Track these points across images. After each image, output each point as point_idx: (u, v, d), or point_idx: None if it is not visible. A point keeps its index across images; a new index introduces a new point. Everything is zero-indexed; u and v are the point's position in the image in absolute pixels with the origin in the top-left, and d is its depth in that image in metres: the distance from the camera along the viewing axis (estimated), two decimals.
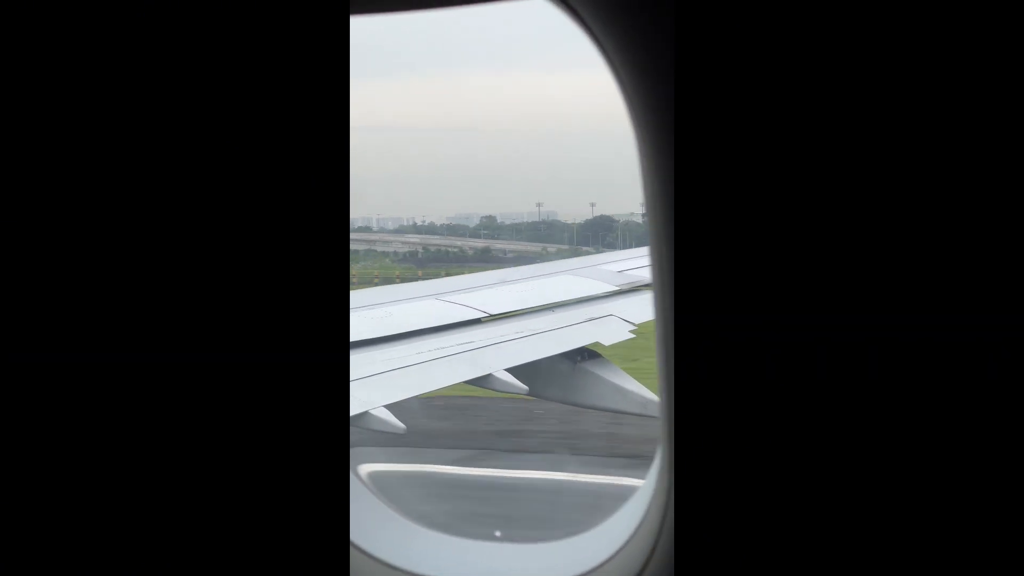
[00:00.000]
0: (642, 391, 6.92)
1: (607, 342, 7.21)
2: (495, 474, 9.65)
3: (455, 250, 23.04)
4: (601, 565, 1.78)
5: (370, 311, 7.33)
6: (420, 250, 22.85)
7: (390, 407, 5.94)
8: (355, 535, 1.86)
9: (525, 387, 6.66)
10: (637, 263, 8.80)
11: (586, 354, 7.23)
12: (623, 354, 7.45)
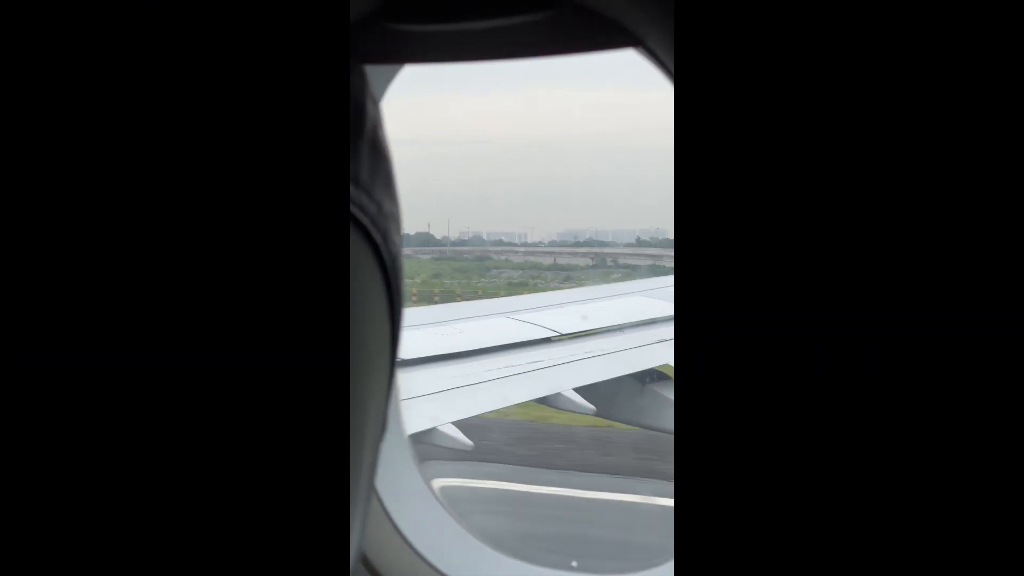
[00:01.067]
0: None
1: None
2: (569, 494, 9.60)
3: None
4: None
5: (441, 327, 7.40)
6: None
7: (458, 424, 5.98)
8: (429, 552, 1.88)
9: (592, 407, 6.65)
10: None
11: (655, 375, 7.18)
12: None
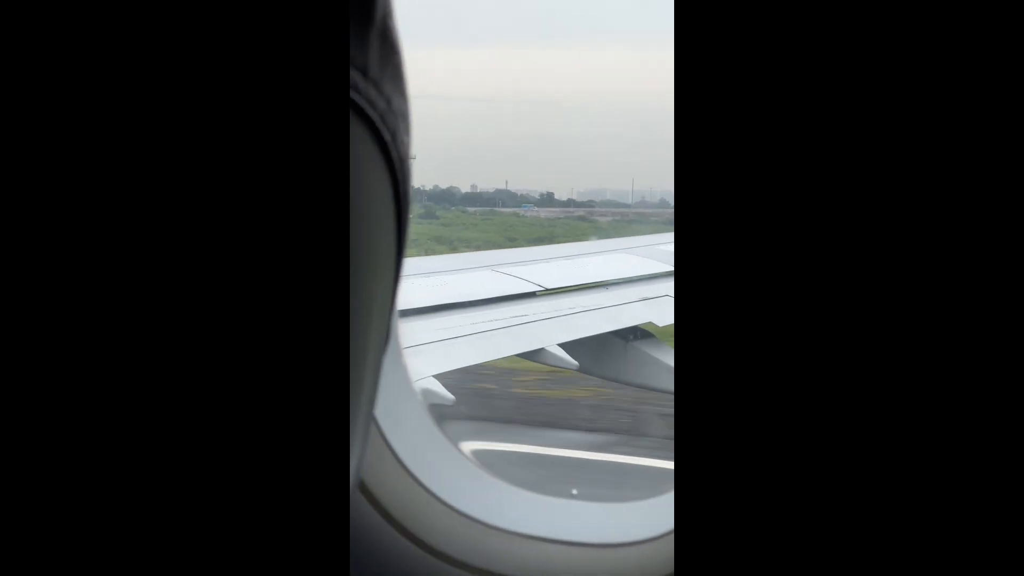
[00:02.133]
0: None
1: (660, 323, 7.17)
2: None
3: None
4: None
5: (426, 279, 7.37)
6: None
7: (439, 377, 5.99)
8: (434, 485, 1.89)
9: (576, 363, 6.67)
10: None
11: (639, 332, 7.21)
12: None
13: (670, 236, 9.25)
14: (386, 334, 0.78)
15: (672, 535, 1.75)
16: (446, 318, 6.76)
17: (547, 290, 7.57)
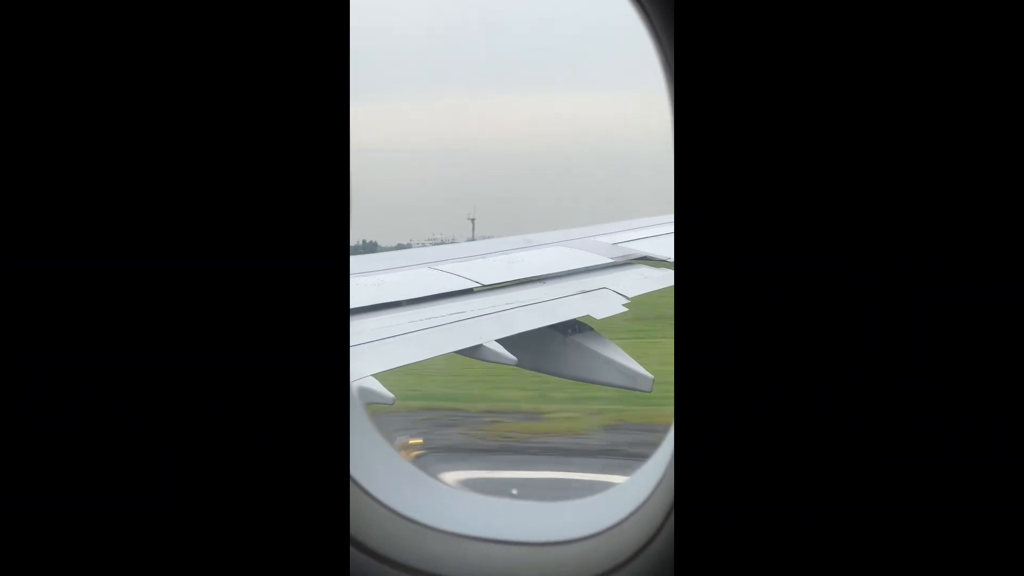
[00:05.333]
0: (632, 364, 6.92)
1: (599, 315, 7.19)
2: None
3: None
4: (617, 525, 1.78)
5: (363, 278, 7.29)
6: None
7: (378, 376, 5.92)
8: (364, 480, 1.88)
9: (514, 358, 6.65)
10: (632, 235, 8.76)
11: (576, 326, 7.21)
12: (616, 327, 7.43)
13: (607, 227, 9.28)
14: None
15: (607, 533, 1.75)
16: (384, 317, 6.69)
17: (484, 286, 7.54)
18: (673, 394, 0.99)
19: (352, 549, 1.85)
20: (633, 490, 1.84)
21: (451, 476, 8.88)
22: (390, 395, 5.97)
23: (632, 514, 1.77)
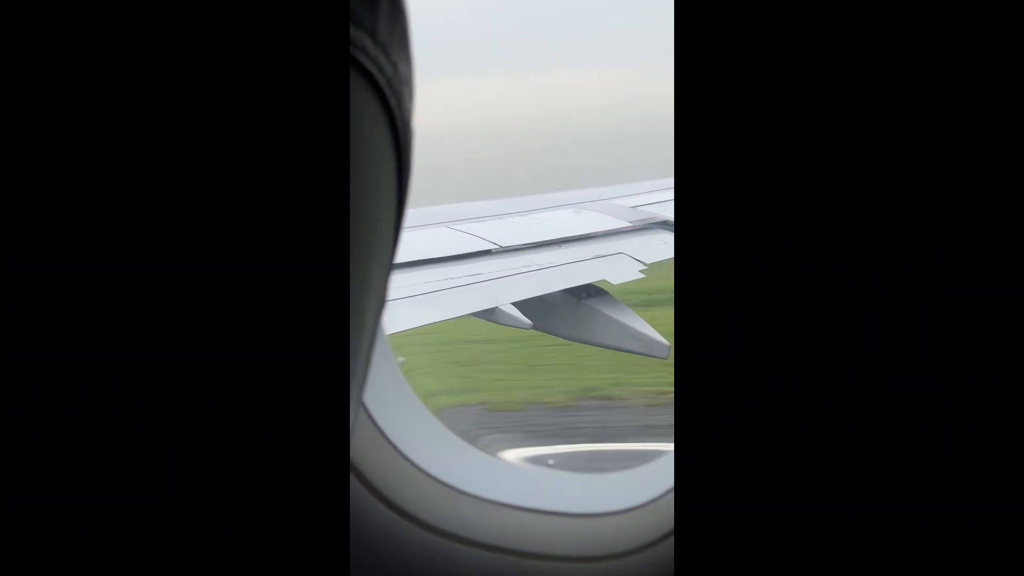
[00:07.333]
0: (648, 331, 6.91)
1: (615, 280, 7.18)
2: None
3: None
4: (653, 501, 1.80)
5: None
6: None
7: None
8: (401, 444, 1.89)
9: (529, 322, 6.67)
10: (652, 198, 8.71)
11: (592, 290, 7.21)
12: (633, 293, 7.42)
13: (624, 189, 9.23)
14: (384, 291, 0.80)
15: (645, 507, 1.76)
16: (400, 276, 6.72)
17: (502, 248, 7.54)
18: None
19: (386, 510, 1.87)
20: (669, 467, 1.85)
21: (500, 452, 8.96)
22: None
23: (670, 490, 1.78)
